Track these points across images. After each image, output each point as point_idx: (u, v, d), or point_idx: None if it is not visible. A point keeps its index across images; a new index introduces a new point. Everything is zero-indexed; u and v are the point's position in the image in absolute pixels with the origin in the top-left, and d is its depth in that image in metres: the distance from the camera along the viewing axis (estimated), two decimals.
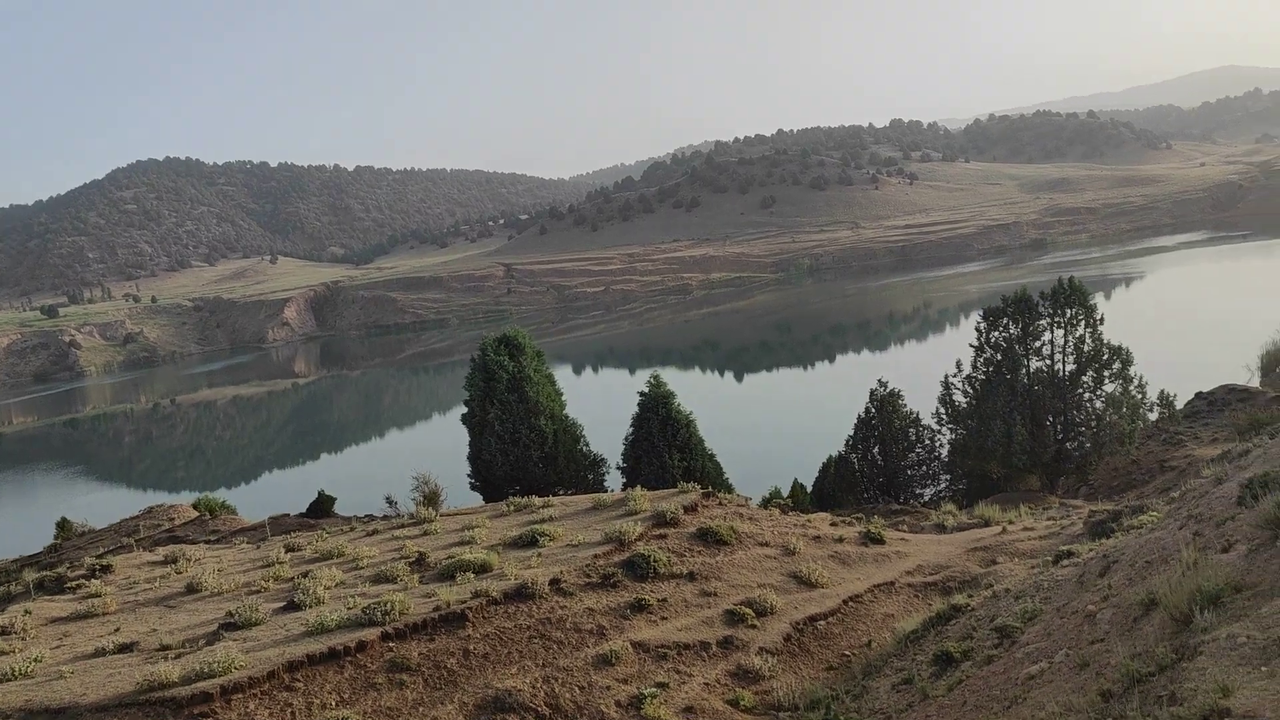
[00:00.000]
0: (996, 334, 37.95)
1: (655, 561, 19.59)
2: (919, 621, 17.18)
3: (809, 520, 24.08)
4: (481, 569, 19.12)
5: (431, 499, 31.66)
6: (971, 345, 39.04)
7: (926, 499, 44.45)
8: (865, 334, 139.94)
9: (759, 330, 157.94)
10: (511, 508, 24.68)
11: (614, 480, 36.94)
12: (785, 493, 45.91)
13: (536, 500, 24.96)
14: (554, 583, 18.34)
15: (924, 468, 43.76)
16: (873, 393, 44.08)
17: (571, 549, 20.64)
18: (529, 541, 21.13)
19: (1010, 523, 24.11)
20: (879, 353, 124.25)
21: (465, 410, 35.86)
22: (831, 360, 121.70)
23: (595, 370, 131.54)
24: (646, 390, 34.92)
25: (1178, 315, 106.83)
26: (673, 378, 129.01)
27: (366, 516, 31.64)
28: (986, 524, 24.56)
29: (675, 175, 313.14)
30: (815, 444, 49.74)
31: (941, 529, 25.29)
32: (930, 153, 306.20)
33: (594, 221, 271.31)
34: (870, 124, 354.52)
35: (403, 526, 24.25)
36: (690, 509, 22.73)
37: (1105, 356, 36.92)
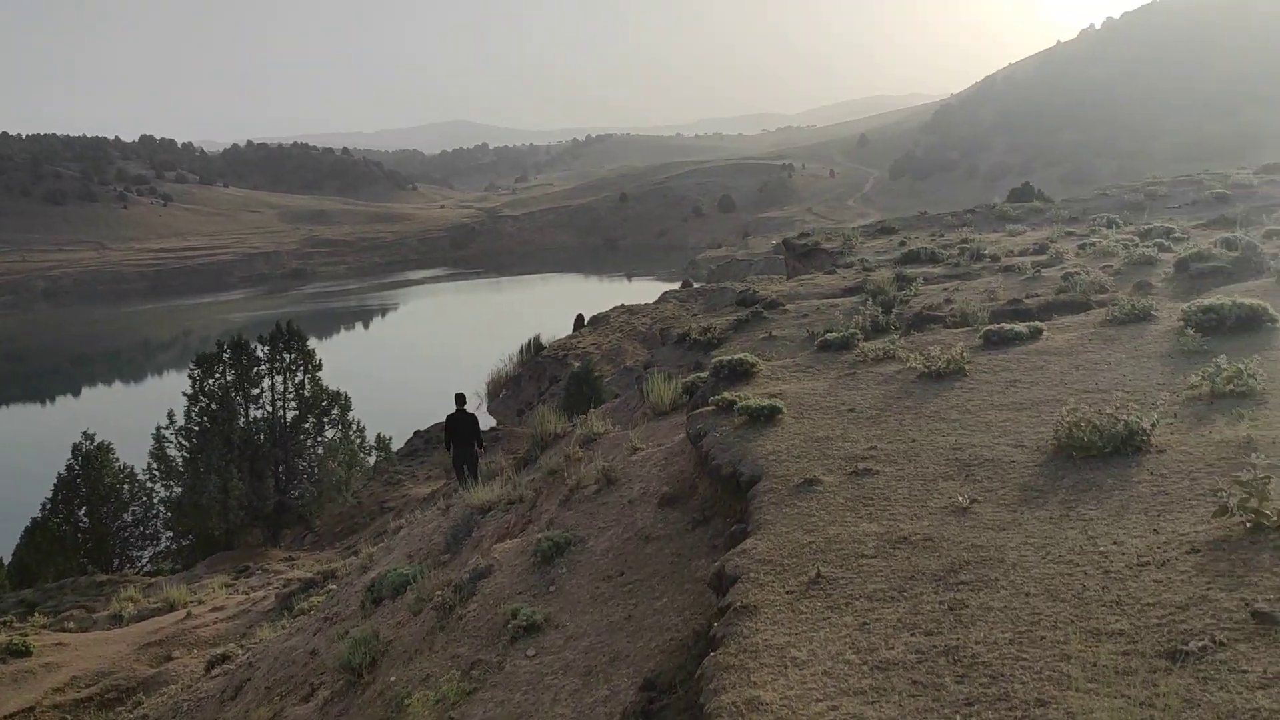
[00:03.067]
0: (212, 382, 35.25)
1: None
2: None
3: None
4: None
5: None
6: (185, 394, 35.73)
7: (146, 561, 40.11)
8: (115, 366, 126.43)
9: None
10: None
11: None
12: None
13: None
14: None
15: (141, 528, 39.27)
16: (76, 447, 38.35)
17: None
18: None
19: (200, 603, 21.63)
20: (131, 385, 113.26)
21: None
22: (77, 394, 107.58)
23: None
24: None
25: (419, 348, 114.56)
26: None
27: None
28: (172, 608, 21.72)
29: None
30: (31, 499, 41.44)
31: (118, 620, 21.80)
32: (187, 174, 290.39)
33: None
34: (118, 137, 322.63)
35: None
36: None
37: (325, 403, 36.56)
